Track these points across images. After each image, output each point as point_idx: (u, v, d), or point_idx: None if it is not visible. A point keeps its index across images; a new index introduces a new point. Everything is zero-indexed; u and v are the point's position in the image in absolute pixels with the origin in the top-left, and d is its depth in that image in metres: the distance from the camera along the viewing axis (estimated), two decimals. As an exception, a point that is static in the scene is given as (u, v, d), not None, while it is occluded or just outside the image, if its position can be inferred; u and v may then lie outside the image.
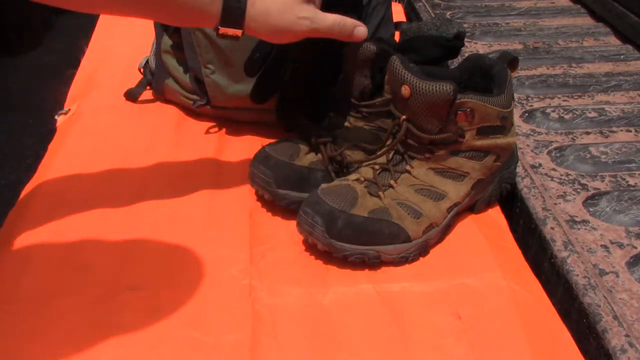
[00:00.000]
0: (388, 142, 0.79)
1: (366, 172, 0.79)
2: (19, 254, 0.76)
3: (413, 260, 0.76)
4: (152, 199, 0.85)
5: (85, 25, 1.49)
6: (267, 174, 0.81)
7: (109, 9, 0.74)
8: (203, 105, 0.98)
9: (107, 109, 1.06)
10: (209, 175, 0.90)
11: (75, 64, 1.24)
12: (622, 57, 1.19)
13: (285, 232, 0.79)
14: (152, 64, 1.05)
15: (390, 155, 0.78)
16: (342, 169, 0.82)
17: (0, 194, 1.67)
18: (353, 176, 0.79)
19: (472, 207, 0.83)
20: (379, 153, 0.79)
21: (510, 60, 0.81)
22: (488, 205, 0.84)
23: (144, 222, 0.81)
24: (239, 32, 0.72)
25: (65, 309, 0.69)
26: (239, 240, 0.79)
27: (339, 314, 0.69)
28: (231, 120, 1.00)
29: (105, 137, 0.99)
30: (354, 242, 0.73)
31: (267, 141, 0.87)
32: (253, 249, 0.77)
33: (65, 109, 1.09)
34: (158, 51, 1.03)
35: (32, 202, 0.85)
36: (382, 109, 0.82)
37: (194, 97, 1.00)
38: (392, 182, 0.77)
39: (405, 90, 0.74)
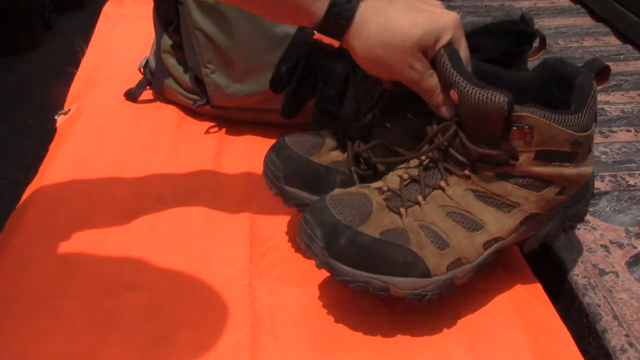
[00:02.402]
0: (425, 148, 0.65)
1: (392, 180, 0.65)
2: (20, 254, 0.76)
3: (430, 300, 0.63)
4: (152, 199, 0.85)
5: (85, 25, 1.49)
6: (277, 167, 0.71)
7: None
8: (203, 105, 0.98)
9: (107, 109, 1.06)
10: (209, 175, 0.90)
11: (75, 64, 1.24)
12: (622, 57, 1.19)
13: (285, 232, 0.79)
14: (152, 63, 1.05)
15: (425, 162, 0.64)
16: (368, 169, 0.71)
17: (0, 194, 1.67)
18: (376, 184, 0.66)
19: (520, 244, 0.68)
20: (410, 155, 0.66)
21: (600, 70, 0.64)
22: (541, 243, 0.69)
23: (143, 222, 0.81)
24: (335, 43, 0.63)
25: (65, 309, 0.69)
26: (239, 240, 0.78)
27: (339, 314, 0.69)
28: (231, 120, 1.00)
29: (105, 137, 0.99)
30: (357, 266, 0.61)
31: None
32: (253, 249, 0.77)
33: (65, 109, 1.08)
34: (158, 51, 1.03)
35: (33, 203, 0.85)
36: (429, 111, 0.68)
37: (194, 96, 1.00)
38: (419, 197, 0.63)
39: (453, 96, 0.61)
